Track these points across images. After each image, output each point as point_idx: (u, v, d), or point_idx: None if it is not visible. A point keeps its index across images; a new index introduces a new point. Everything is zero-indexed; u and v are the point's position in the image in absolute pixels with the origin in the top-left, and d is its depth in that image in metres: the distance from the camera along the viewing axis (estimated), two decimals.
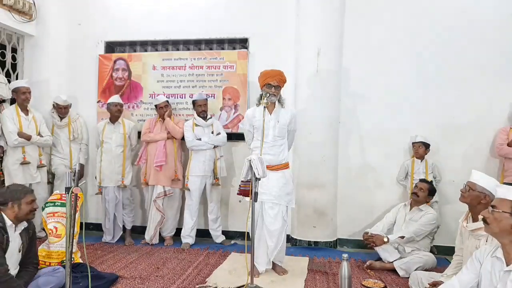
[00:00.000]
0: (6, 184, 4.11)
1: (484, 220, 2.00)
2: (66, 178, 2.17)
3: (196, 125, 4.25)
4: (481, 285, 1.99)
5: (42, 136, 4.29)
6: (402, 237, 3.51)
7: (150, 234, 4.29)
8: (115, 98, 4.45)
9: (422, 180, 3.84)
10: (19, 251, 2.56)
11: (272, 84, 3.25)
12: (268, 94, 3.23)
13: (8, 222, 2.46)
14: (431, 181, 3.89)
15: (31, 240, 2.66)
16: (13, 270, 2.53)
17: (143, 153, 4.39)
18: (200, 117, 4.25)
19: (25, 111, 4.26)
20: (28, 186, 4.19)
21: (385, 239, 3.52)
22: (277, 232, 3.28)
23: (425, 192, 3.67)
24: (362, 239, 3.79)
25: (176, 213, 4.47)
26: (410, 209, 3.74)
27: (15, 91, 4.21)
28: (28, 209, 2.54)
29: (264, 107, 3.22)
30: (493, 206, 1.97)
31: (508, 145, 3.91)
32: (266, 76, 3.28)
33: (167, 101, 4.40)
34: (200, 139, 4.20)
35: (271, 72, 3.30)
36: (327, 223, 4.31)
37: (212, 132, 4.28)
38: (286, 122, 3.36)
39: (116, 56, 4.85)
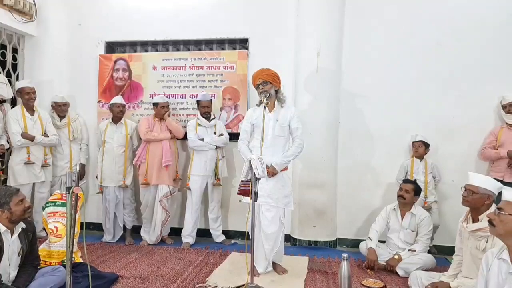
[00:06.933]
0: (10, 183, 4.13)
1: (490, 221, 2.00)
2: (67, 178, 2.17)
3: (199, 125, 4.25)
4: None
5: (48, 136, 4.29)
6: (414, 250, 3.49)
7: (156, 235, 4.27)
8: (118, 99, 4.46)
9: (405, 181, 3.77)
10: (19, 255, 2.52)
11: (258, 83, 3.31)
12: (262, 93, 3.27)
13: (2, 228, 2.40)
14: (415, 180, 3.84)
15: (31, 242, 2.61)
16: (13, 272, 2.52)
17: (143, 152, 4.34)
18: (204, 117, 4.26)
19: (31, 111, 4.27)
20: (32, 185, 4.24)
21: (396, 256, 3.46)
22: (273, 236, 3.28)
23: (411, 193, 3.61)
24: (362, 239, 3.81)
25: (174, 213, 4.48)
26: (401, 214, 3.67)
27: (19, 91, 4.23)
28: (20, 209, 2.45)
29: (264, 107, 3.24)
30: (499, 209, 1.97)
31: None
32: (252, 79, 3.41)
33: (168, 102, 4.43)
34: (202, 139, 4.21)
35: (254, 73, 3.40)
36: (327, 223, 4.31)
37: (215, 133, 4.28)
38: (286, 120, 3.34)
39: (117, 56, 4.85)
